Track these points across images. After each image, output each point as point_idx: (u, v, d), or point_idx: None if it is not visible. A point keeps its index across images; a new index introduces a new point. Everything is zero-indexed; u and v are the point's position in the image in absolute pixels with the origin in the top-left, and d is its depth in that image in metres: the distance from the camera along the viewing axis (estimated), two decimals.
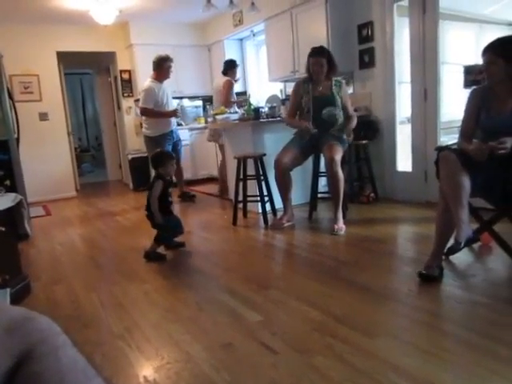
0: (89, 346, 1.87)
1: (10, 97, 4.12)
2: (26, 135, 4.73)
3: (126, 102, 7.03)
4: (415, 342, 1.75)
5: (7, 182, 3.91)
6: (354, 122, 3.75)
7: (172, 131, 5.14)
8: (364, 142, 4.38)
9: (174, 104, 5.42)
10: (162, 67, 4.97)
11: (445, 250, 2.49)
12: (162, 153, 3.36)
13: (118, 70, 6.96)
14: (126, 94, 7.02)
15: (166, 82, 5.14)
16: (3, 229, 1.61)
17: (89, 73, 9.10)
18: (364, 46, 4.53)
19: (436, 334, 1.83)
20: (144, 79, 6.48)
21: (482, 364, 1.55)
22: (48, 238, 4.05)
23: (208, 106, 7.06)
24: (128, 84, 7.01)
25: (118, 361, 1.77)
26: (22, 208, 2.54)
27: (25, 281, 2.57)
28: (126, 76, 6.97)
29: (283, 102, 4.96)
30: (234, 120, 4.54)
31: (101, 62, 7.56)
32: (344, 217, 3.63)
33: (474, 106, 2.50)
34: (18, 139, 4.31)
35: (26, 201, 2.69)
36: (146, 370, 1.69)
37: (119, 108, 7.28)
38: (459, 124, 2.60)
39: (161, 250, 3.20)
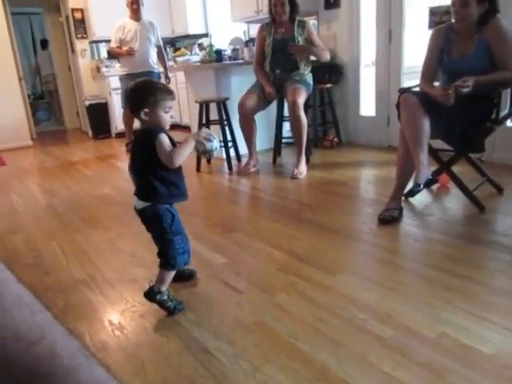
0: (50, 293, 1.85)
1: None
2: None
3: (81, 44, 6.62)
4: (373, 278, 1.82)
5: None
6: (327, 54, 3.56)
7: (141, 74, 4.74)
8: (328, 85, 4.33)
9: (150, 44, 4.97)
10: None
11: (404, 192, 2.55)
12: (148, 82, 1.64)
13: (70, 8, 6.49)
14: (79, 36, 6.59)
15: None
16: None
17: (38, 12, 8.46)
18: None
19: (393, 269, 1.90)
20: (98, 19, 6.12)
21: (435, 295, 1.63)
22: (3, 189, 3.89)
23: (168, 49, 6.75)
24: (81, 24, 6.56)
25: (82, 306, 1.76)
26: None
27: None
28: (78, 15, 6.51)
29: (246, 43, 4.79)
30: (195, 62, 4.38)
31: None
32: (307, 161, 3.65)
33: (437, 46, 2.48)
34: None
35: None
36: (111, 314, 1.69)
37: (73, 51, 6.86)
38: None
39: None
